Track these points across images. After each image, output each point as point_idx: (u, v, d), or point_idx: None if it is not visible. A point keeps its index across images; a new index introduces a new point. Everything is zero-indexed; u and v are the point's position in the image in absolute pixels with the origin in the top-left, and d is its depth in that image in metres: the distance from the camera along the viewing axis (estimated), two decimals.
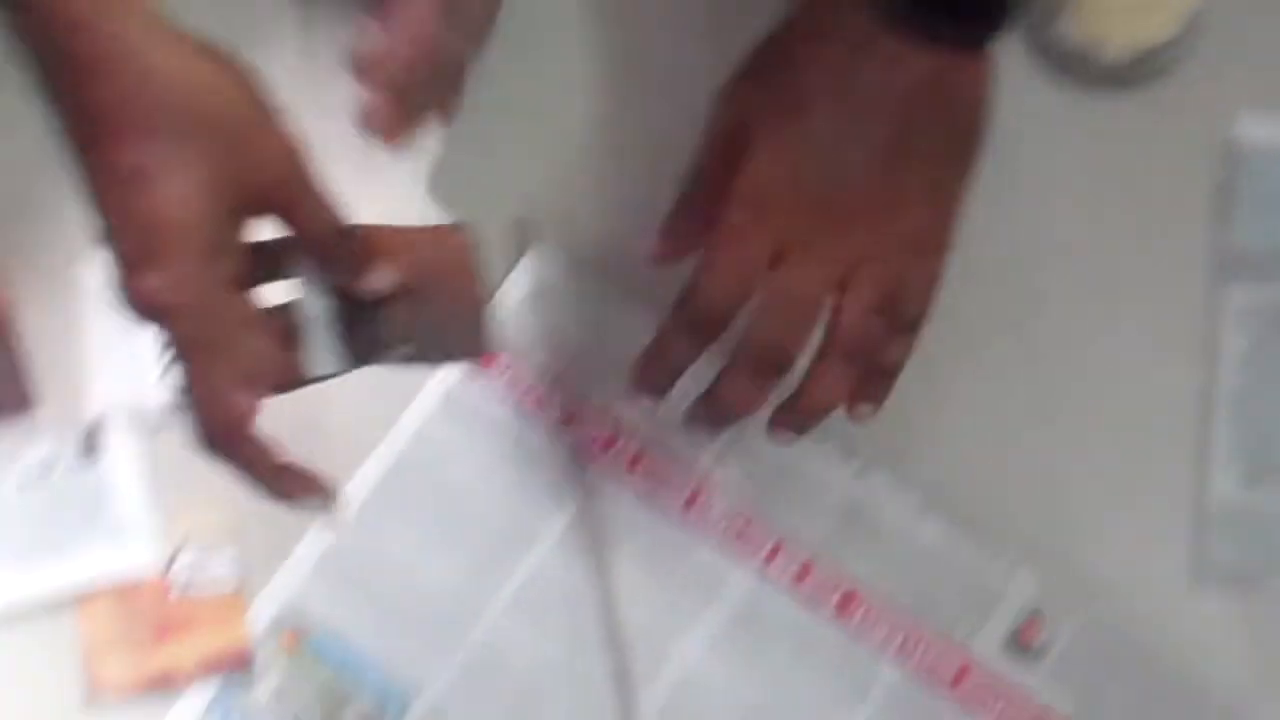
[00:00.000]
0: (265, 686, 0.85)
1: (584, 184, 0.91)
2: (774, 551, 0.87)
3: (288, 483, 0.75)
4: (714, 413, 0.81)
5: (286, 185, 0.73)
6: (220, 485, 0.82)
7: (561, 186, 0.91)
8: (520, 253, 0.90)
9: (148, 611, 0.86)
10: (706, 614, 0.86)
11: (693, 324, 0.79)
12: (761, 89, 0.79)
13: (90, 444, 0.87)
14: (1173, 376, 0.89)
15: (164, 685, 0.85)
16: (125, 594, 0.86)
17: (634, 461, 0.88)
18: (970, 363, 0.89)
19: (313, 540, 0.87)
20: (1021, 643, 0.86)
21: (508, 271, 0.90)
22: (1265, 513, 0.87)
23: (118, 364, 0.88)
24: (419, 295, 0.78)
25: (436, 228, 0.80)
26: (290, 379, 0.76)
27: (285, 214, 0.74)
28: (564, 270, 0.90)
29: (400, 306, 0.78)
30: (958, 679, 0.85)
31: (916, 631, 0.86)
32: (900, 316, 0.80)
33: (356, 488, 0.87)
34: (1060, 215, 0.91)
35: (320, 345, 0.77)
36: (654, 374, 0.82)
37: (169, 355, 0.72)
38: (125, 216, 0.71)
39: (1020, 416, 0.89)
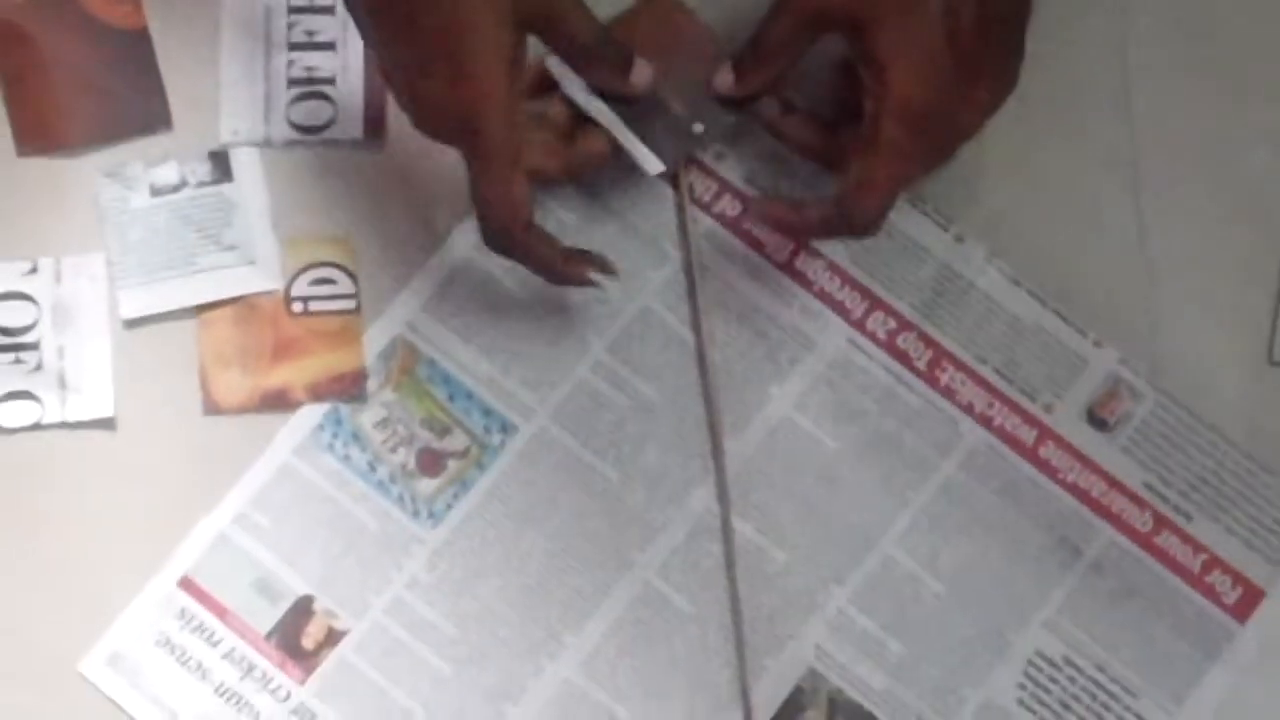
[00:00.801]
0: (375, 409, 0.89)
1: None
2: (868, 311, 0.90)
3: (572, 266, 0.84)
4: (779, 225, 0.88)
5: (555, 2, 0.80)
6: (340, 216, 0.88)
7: None
8: None
9: (266, 330, 0.89)
10: (799, 368, 0.90)
11: (847, 228, 0.84)
12: None
13: (219, 167, 0.90)
14: (1257, 164, 0.92)
15: (278, 404, 0.89)
16: (245, 311, 0.89)
17: (737, 220, 0.91)
18: (1064, 145, 0.92)
19: (428, 273, 0.90)
20: (1099, 415, 0.90)
21: None
22: None
23: (248, 95, 0.91)
24: (675, 75, 0.85)
25: (645, 4, 0.87)
26: (572, 171, 0.86)
27: (557, 25, 0.81)
28: None
29: (669, 92, 0.85)
30: (1036, 445, 0.89)
31: (1000, 396, 0.89)
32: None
33: (469, 230, 0.90)
34: (1161, 5, 0.93)
35: (637, 148, 0.86)
36: (787, 234, 0.89)
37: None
38: (431, 32, 0.77)
39: (1111, 200, 0.92)
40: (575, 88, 0.85)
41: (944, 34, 0.79)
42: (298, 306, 0.89)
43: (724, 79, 0.86)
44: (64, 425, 0.88)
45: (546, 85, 0.86)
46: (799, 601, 0.88)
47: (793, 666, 0.88)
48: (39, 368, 0.88)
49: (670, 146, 0.86)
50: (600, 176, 0.89)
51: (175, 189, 0.90)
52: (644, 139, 0.86)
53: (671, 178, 0.90)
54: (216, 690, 0.87)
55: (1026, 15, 0.83)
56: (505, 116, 0.80)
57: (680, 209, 0.91)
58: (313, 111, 0.90)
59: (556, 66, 0.85)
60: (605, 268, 0.85)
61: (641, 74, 0.84)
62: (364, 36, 0.82)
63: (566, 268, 0.84)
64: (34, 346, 0.88)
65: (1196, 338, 0.90)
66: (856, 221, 0.84)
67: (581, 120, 0.86)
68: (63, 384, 0.88)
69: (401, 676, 0.87)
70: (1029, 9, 0.83)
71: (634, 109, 0.85)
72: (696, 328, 0.90)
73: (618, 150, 0.86)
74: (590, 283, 0.85)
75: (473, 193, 0.82)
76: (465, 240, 0.90)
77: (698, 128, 0.87)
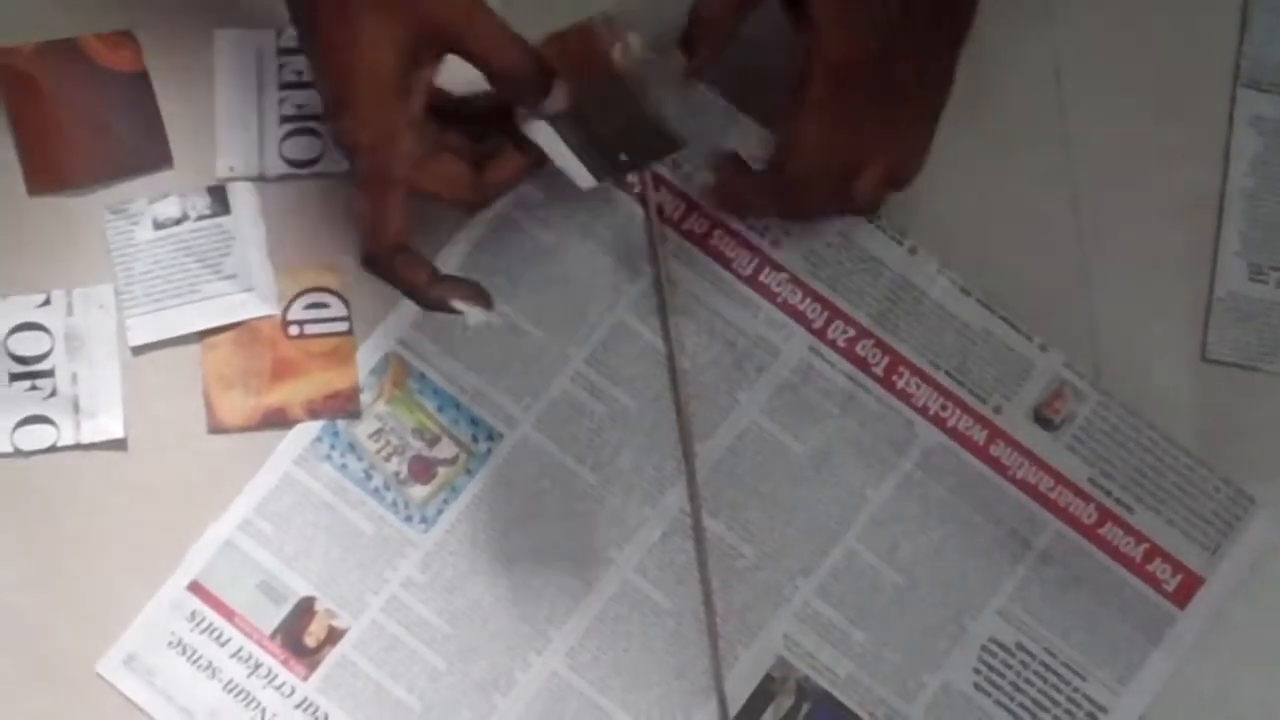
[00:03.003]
0: (369, 421, 0.93)
1: None
2: (829, 321, 0.94)
3: (445, 293, 0.83)
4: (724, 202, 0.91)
5: (467, 20, 0.79)
6: (332, 244, 0.91)
7: None
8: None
9: (265, 352, 0.93)
10: (765, 375, 0.94)
11: (786, 195, 0.88)
12: None
13: (217, 201, 0.94)
14: (1189, 177, 0.95)
15: (278, 421, 0.93)
16: (245, 335, 0.93)
17: (704, 237, 0.95)
18: (1006, 162, 0.95)
19: None
20: (1045, 415, 0.94)
21: None
22: (1269, 302, 0.94)
23: (242, 133, 0.94)
24: (597, 101, 0.84)
25: (581, 28, 0.84)
26: (482, 198, 0.85)
27: (467, 48, 0.80)
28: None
29: (595, 113, 0.85)
30: (986, 444, 0.93)
31: (953, 398, 0.94)
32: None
33: (456, 246, 0.94)
34: (1091, 29, 0.97)
35: (570, 164, 0.86)
36: (728, 206, 0.92)
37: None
38: (325, 63, 0.79)
39: (1052, 211, 0.95)
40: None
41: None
42: (294, 330, 0.93)
43: (676, 62, 0.87)
44: (78, 447, 0.91)
45: (447, 108, 0.84)
46: (768, 594, 0.92)
47: (763, 656, 0.92)
48: (54, 394, 0.92)
49: (597, 164, 0.86)
50: (574, 198, 0.92)
51: (177, 222, 0.93)
52: (576, 155, 0.86)
53: (640, 196, 0.94)
54: (226, 687, 0.91)
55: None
56: (383, 141, 0.79)
57: (649, 227, 0.94)
58: (304, 146, 0.94)
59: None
60: (481, 299, 0.84)
61: (556, 99, 0.83)
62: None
63: (431, 293, 0.83)
64: (48, 374, 0.92)
65: (1135, 339, 0.94)
66: (792, 186, 0.86)
67: (487, 147, 0.85)
68: (76, 409, 0.92)
69: (399, 671, 0.91)
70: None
71: (561, 128, 0.85)
72: (667, 339, 0.94)
73: (537, 169, 0.86)
74: (451, 310, 0.83)
75: (352, 211, 0.83)
76: (449, 262, 0.93)
77: (622, 156, 0.87)
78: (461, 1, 0.79)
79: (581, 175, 0.87)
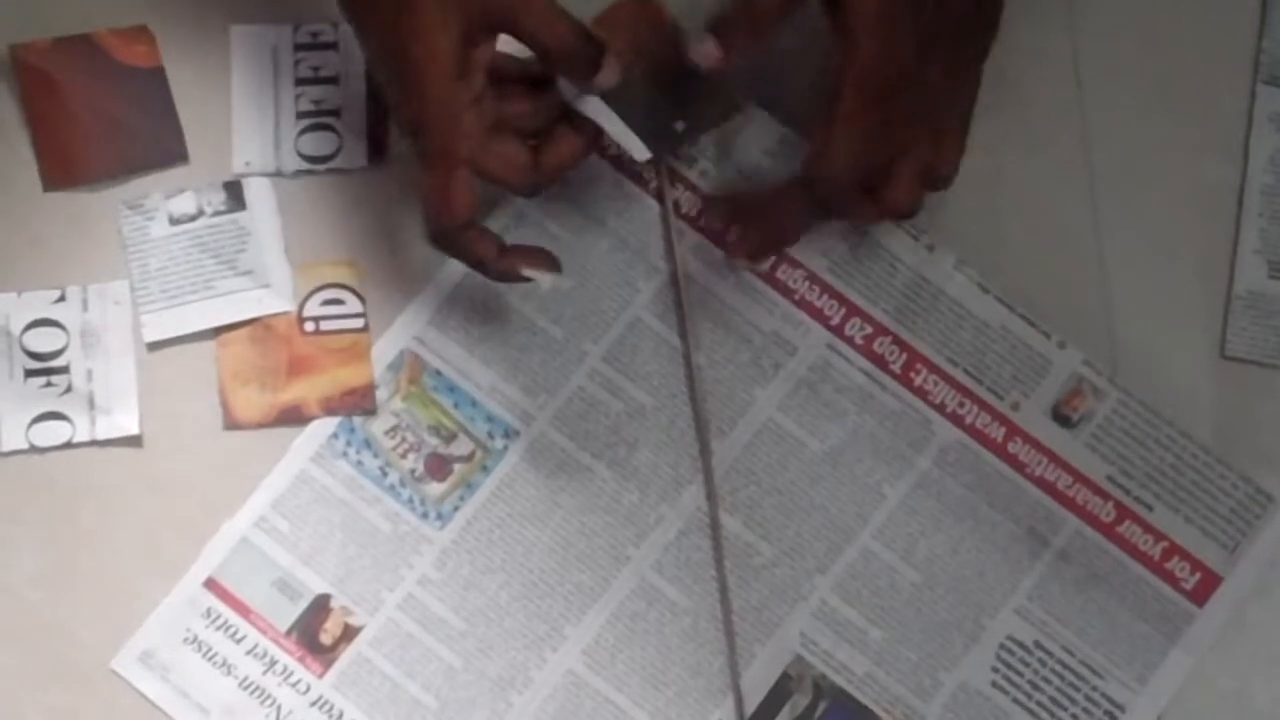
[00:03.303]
0: (385, 418, 0.93)
1: None
2: (846, 318, 0.94)
3: (515, 262, 0.86)
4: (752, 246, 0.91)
5: (515, 5, 0.82)
6: (348, 240, 0.92)
7: None
8: None
9: (281, 349, 0.93)
10: (782, 372, 0.94)
11: (814, 201, 0.88)
12: None
13: (233, 196, 0.94)
14: (1208, 174, 0.95)
15: (293, 418, 0.93)
16: (261, 332, 0.93)
17: (722, 234, 0.95)
18: (1024, 159, 0.95)
19: (432, 289, 0.94)
20: (1063, 412, 0.94)
21: None
22: None
23: (258, 128, 0.94)
24: (650, 72, 0.87)
25: (628, 3, 0.87)
26: (541, 180, 0.86)
27: (519, 26, 0.82)
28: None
29: (648, 86, 0.87)
30: (1004, 441, 0.93)
31: (971, 396, 0.94)
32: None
33: None
34: (1111, 26, 0.97)
35: (626, 136, 0.87)
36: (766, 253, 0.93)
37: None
38: (384, 49, 0.82)
39: (1070, 208, 0.95)
40: (562, 81, 0.87)
41: (911, 8, 0.82)
42: (310, 326, 0.93)
43: (707, 50, 0.85)
44: (93, 443, 0.91)
45: (511, 71, 0.86)
46: (785, 592, 0.92)
47: (780, 654, 0.92)
48: (69, 390, 0.92)
49: (652, 137, 0.88)
50: (591, 194, 0.93)
51: (192, 218, 0.93)
52: (631, 128, 0.87)
53: (657, 193, 0.94)
54: (241, 684, 0.91)
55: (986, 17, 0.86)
56: (446, 122, 0.82)
57: (666, 223, 0.94)
58: (320, 142, 0.94)
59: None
60: (550, 263, 0.87)
61: (607, 75, 0.84)
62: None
63: (501, 264, 0.86)
64: (64, 370, 0.92)
65: (1153, 336, 0.94)
66: (820, 191, 0.86)
67: (544, 129, 0.87)
68: (91, 405, 0.92)
69: (414, 668, 0.91)
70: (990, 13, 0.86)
71: (616, 103, 0.86)
72: (684, 335, 0.94)
73: (589, 152, 0.88)
74: (522, 278, 0.86)
75: (420, 191, 0.86)
76: None
77: (679, 125, 0.89)
78: None
79: (637, 148, 0.87)
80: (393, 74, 0.83)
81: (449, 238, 0.86)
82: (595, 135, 0.88)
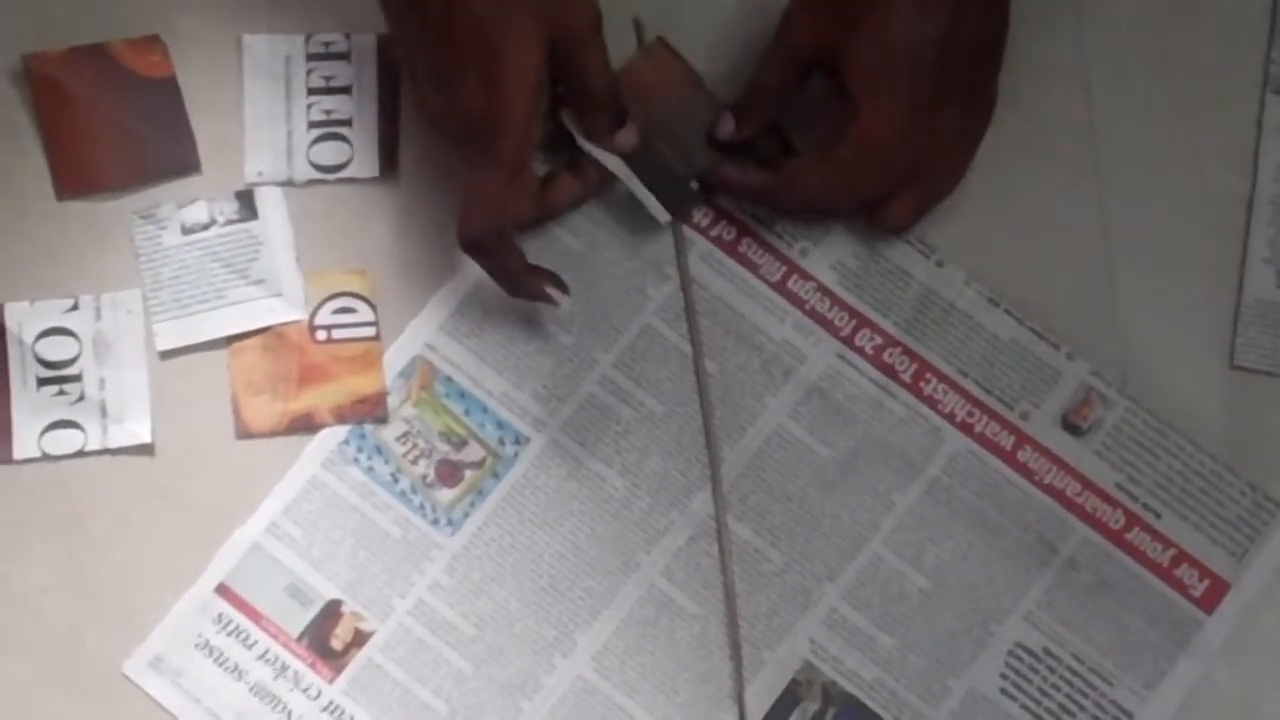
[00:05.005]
0: (396, 424, 0.94)
1: None
2: (856, 329, 0.95)
3: (532, 279, 0.88)
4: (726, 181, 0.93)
5: (588, 39, 0.85)
6: (360, 249, 0.92)
7: None
8: (640, 45, 0.96)
9: (292, 357, 0.93)
10: (792, 379, 0.94)
11: (772, 203, 0.93)
12: (840, 19, 0.87)
13: (245, 206, 0.94)
14: (1217, 184, 0.96)
15: (305, 426, 0.93)
16: (273, 340, 0.93)
17: (733, 244, 0.96)
18: (1033, 173, 0.96)
19: (443, 297, 0.94)
20: (1073, 421, 0.94)
21: None
22: None
23: (270, 138, 0.95)
24: (667, 131, 0.91)
25: (645, 54, 0.91)
26: (539, 214, 0.91)
27: (578, 57, 0.85)
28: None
29: (667, 145, 0.91)
30: (1014, 450, 0.94)
31: (981, 405, 0.94)
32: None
33: None
34: (1120, 36, 0.97)
35: (648, 199, 0.91)
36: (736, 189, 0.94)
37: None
38: (466, 38, 0.82)
39: (1079, 219, 0.96)
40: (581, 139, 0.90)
41: (908, 76, 0.85)
42: (321, 335, 0.94)
43: (726, 127, 0.91)
44: (106, 452, 0.92)
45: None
46: (794, 599, 0.92)
47: (789, 660, 0.92)
48: (81, 399, 0.92)
49: (669, 198, 0.91)
50: (600, 203, 0.95)
51: (205, 227, 0.94)
52: (651, 191, 0.91)
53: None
54: (252, 689, 0.91)
55: (993, 58, 0.88)
56: (521, 130, 0.84)
57: (677, 233, 0.95)
58: (331, 152, 0.95)
59: (569, 119, 0.90)
60: (560, 286, 0.89)
61: (626, 137, 0.89)
62: (390, 26, 0.87)
63: (526, 278, 0.88)
64: (76, 379, 0.92)
65: (1162, 346, 0.94)
66: (780, 203, 0.91)
67: (546, 172, 0.91)
68: (104, 413, 0.92)
69: (425, 674, 0.92)
70: (996, 53, 0.88)
71: (634, 161, 0.90)
72: (695, 342, 0.94)
73: (587, 198, 0.92)
74: (546, 298, 0.89)
75: (466, 191, 0.86)
76: (477, 266, 0.93)
77: (694, 185, 0.92)
78: (591, 17, 0.84)
79: (657, 210, 0.90)
80: (469, 69, 0.83)
81: (485, 244, 0.87)
82: (595, 184, 0.91)
